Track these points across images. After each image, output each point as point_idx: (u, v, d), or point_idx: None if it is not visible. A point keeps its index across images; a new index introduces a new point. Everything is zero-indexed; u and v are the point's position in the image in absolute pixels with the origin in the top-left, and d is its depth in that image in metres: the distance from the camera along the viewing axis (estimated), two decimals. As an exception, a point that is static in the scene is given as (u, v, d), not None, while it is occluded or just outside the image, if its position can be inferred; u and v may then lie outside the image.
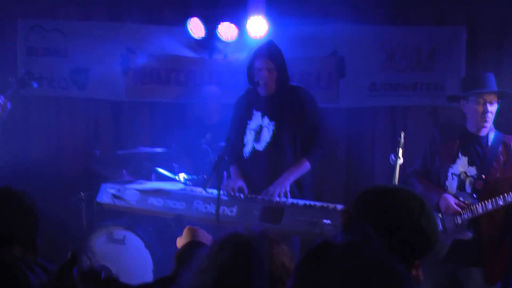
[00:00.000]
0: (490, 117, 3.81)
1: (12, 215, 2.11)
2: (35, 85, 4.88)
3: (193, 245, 2.21)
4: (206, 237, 2.32)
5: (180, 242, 2.32)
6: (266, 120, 4.22)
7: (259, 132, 4.24)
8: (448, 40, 5.58)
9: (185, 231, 2.36)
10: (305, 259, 1.28)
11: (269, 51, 4.19)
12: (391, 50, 5.67)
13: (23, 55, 5.80)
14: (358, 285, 1.17)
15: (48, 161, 5.83)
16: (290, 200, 3.99)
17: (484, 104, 3.78)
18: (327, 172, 5.67)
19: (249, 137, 4.27)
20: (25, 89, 4.85)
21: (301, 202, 3.99)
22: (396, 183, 3.63)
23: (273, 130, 4.18)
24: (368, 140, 5.82)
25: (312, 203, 3.96)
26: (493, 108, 3.81)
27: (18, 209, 2.14)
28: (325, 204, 3.89)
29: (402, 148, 3.72)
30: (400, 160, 3.71)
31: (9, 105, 4.57)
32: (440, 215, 3.85)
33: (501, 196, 3.63)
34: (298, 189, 4.17)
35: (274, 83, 4.17)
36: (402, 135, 3.76)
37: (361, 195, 1.83)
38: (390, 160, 3.77)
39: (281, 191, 4.00)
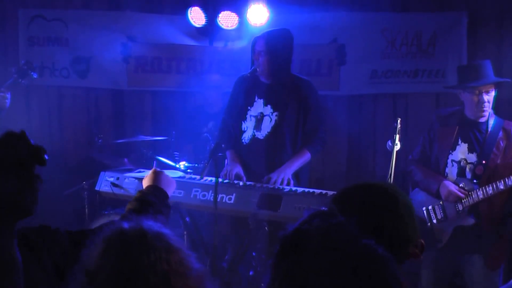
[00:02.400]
0: (487, 105, 3.74)
1: None
2: (34, 75, 4.83)
3: (150, 188, 2.31)
4: (167, 182, 2.41)
5: (145, 182, 2.42)
6: (268, 109, 4.11)
7: (260, 120, 4.14)
8: (449, 26, 5.45)
9: (150, 172, 2.45)
10: (282, 253, 1.25)
11: (267, 35, 4.09)
12: (392, 37, 5.55)
13: (25, 44, 5.74)
14: (344, 273, 1.17)
15: (50, 150, 5.63)
16: (288, 187, 3.88)
17: (480, 94, 3.71)
18: (328, 159, 5.60)
19: (249, 123, 4.17)
20: (25, 79, 4.77)
21: (299, 189, 3.86)
22: (393, 169, 3.53)
23: (275, 120, 4.09)
24: (369, 127, 5.73)
25: (310, 190, 3.82)
26: (489, 97, 3.75)
27: None
28: (323, 191, 3.75)
29: (399, 134, 3.61)
30: (397, 146, 3.59)
31: (9, 96, 4.49)
32: (441, 203, 3.78)
33: (501, 180, 3.55)
34: (296, 178, 4.07)
35: (266, 67, 4.03)
36: (399, 121, 3.65)
37: (345, 190, 1.75)
38: (387, 146, 3.69)
39: (284, 179, 3.90)
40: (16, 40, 5.73)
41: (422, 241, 1.70)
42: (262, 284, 3.92)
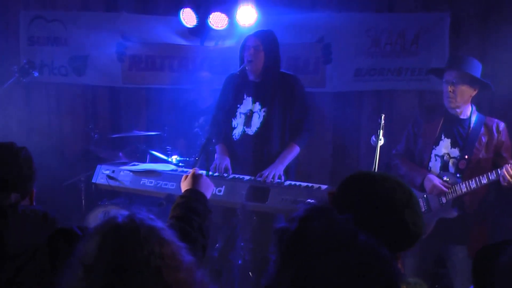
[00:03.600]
0: (452, 96, 3.74)
1: (11, 165, 2.20)
2: (35, 74, 4.94)
3: (192, 193, 2.23)
4: (206, 185, 2.33)
5: (184, 185, 2.34)
6: (257, 106, 4.17)
7: (250, 116, 4.20)
8: (432, 26, 5.45)
9: (189, 176, 2.37)
10: (289, 253, 1.26)
11: (261, 33, 4.17)
12: (376, 36, 5.54)
13: (25, 44, 5.77)
14: (349, 272, 1.19)
15: (49, 144, 5.77)
16: (276, 180, 3.94)
17: (447, 83, 3.75)
18: (314, 153, 5.59)
19: (239, 120, 4.23)
20: (27, 77, 4.85)
21: (286, 182, 3.95)
22: (377, 163, 3.54)
23: (264, 116, 4.14)
24: (354, 123, 5.72)
25: (297, 183, 3.93)
26: (456, 89, 3.72)
27: (17, 160, 2.21)
28: (309, 184, 3.86)
29: (382, 130, 3.63)
30: (381, 142, 3.61)
31: None
32: (424, 195, 3.81)
33: (484, 175, 3.59)
34: (284, 172, 4.12)
35: (261, 63, 4.09)
36: (383, 117, 3.66)
37: (347, 179, 1.71)
38: (371, 142, 3.71)
39: (276, 174, 3.96)
40: (17, 40, 5.76)
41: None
42: (250, 273, 3.99)
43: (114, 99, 5.94)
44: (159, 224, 1.44)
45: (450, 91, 3.72)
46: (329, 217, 1.30)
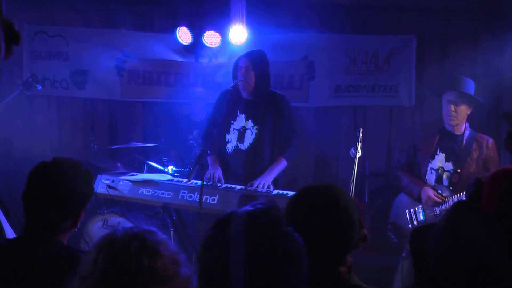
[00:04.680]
0: (454, 115, 3.86)
1: (68, 183, 2.07)
2: (39, 87, 4.84)
3: None
4: None
5: None
6: (250, 123, 4.28)
7: (243, 133, 4.31)
8: (401, 48, 5.65)
9: None
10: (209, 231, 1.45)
11: (251, 54, 4.27)
12: (354, 55, 5.71)
13: (28, 58, 5.71)
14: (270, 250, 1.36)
15: (50, 154, 5.70)
16: (265, 190, 4.06)
17: (449, 104, 3.87)
18: (298, 163, 5.63)
19: (233, 135, 4.33)
20: (30, 91, 4.78)
21: (274, 191, 4.08)
22: (355, 173, 3.66)
23: (256, 133, 4.27)
24: (334, 135, 5.87)
25: (284, 192, 4.05)
26: (458, 108, 3.87)
27: (76, 180, 2.10)
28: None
29: (360, 143, 3.75)
30: (359, 153, 3.76)
31: None
32: (421, 206, 3.94)
33: None
34: (274, 182, 4.26)
35: (252, 82, 4.19)
36: (361, 130, 3.79)
37: (292, 197, 1.88)
38: (350, 153, 3.83)
39: (265, 184, 4.08)
40: (21, 53, 5.68)
41: (365, 232, 1.82)
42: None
43: (113, 112, 5.91)
44: (157, 237, 1.40)
45: (453, 110, 3.85)
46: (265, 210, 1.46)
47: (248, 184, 4.10)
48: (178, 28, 5.32)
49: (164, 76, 5.80)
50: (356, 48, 5.69)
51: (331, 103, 5.80)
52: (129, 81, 5.80)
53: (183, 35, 5.35)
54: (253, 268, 1.35)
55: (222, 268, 1.38)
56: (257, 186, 4.06)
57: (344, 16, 5.68)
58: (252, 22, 5.19)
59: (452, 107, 3.85)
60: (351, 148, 3.87)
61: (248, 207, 1.48)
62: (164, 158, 5.02)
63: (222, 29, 5.19)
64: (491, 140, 3.96)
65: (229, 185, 4.16)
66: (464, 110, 3.90)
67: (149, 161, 4.98)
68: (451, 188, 3.87)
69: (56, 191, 2.02)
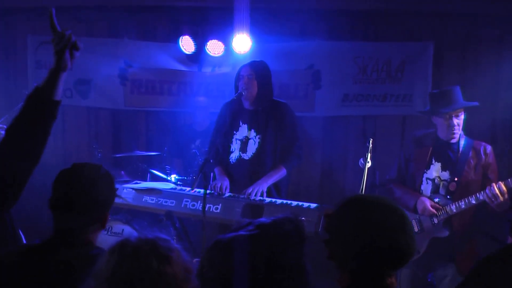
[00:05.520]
0: (457, 128, 3.87)
1: (90, 187, 2.15)
2: None
3: None
4: None
5: None
6: (252, 133, 4.31)
7: (246, 143, 4.33)
8: (416, 55, 5.61)
9: None
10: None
11: (254, 63, 4.32)
12: (363, 64, 5.69)
13: (33, 67, 5.81)
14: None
15: (55, 163, 5.73)
16: (269, 199, 4.07)
17: (451, 119, 3.85)
18: (304, 174, 5.72)
19: (235, 146, 4.37)
20: None
21: (278, 201, 4.06)
22: (364, 185, 3.63)
23: (259, 143, 4.29)
24: (341, 146, 5.85)
25: (289, 202, 4.03)
26: (459, 120, 3.87)
27: (98, 183, 2.19)
28: (300, 203, 3.96)
29: (370, 153, 3.74)
30: (369, 164, 3.71)
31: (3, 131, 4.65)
32: (418, 217, 3.92)
33: (473, 195, 3.69)
34: (276, 191, 4.27)
35: (254, 91, 4.25)
36: (371, 141, 3.78)
37: (345, 203, 1.85)
38: (360, 164, 3.80)
39: (258, 191, 4.08)
40: (25, 63, 5.80)
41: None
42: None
43: (116, 120, 5.98)
44: (169, 245, 1.48)
45: (456, 125, 3.84)
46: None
47: (243, 190, 4.14)
48: (181, 37, 5.39)
49: (167, 85, 5.88)
50: (366, 56, 5.68)
51: (339, 113, 5.80)
52: (132, 90, 5.89)
53: (186, 44, 5.42)
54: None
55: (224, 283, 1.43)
56: (249, 194, 4.08)
57: (353, 23, 5.69)
58: (256, 30, 5.23)
59: (455, 121, 3.87)
60: (359, 158, 3.87)
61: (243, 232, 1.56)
62: (167, 166, 5.08)
63: (225, 38, 5.24)
64: (489, 147, 3.96)
65: (232, 194, 4.19)
66: (462, 121, 3.93)
67: (152, 169, 5.06)
68: (448, 197, 3.87)
69: (81, 199, 2.11)
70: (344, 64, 5.72)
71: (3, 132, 4.67)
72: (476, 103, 3.93)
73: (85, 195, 2.11)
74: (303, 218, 3.81)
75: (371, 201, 1.82)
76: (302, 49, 5.70)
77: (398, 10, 5.52)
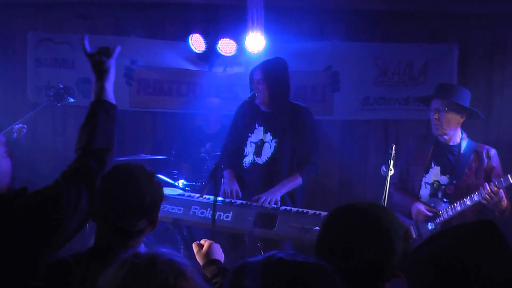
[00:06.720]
0: (437, 123, 3.89)
1: (144, 189, 2.18)
2: (70, 99, 5.02)
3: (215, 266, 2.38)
4: (220, 252, 2.50)
5: (199, 256, 2.48)
6: (268, 136, 4.28)
7: (261, 146, 4.30)
8: (440, 57, 5.60)
9: (205, 248, 2.49)
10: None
11: (265, 65, 4.28)
12: (384, 65, 5.68)
13: (32, 65, 5.82)
14: None
15: (56, 165, 5.78)
16: (283, 207, 4.01)
17: (432, 111, 3.92)
18: (320, 181, 5.58)
19: (250, 149, 4.34)
20: (61, 102, 4.93)
21: (294, 209, 4.00)
22: (387, 193, 3.62)
23: (275, 147, 4.25)
24: (361, 151, 5.82)
25: (304, 210, 3.97)
26: (441, 116, 3.88)
27: (150, 185, 2.23)
28: (316, 212, 3.90)
29: (393, 160, 3.70)
30: (391, 172, 3.68)
31: (24, 129, 4.64)
32: (415, 223, 3.95)
33: (468, 196, 3.73)
34: (291, 199, 4.22)
35: (266, 96, 4.20)
36: (393, 147, 3.74)
37: (332, 213, 1.92)
38: (381, 172, 3.79)
39: (272, 200, 4.03)
40: (24, 61, 5.80)
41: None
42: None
43: (121, 122, 5.69)
44: (183, 261, 1.48)
45: (435, 119, 3.89)
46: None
47: (255, 197, 4.10)
48: (191, 35, 5.37)
49: (175, 86, 5.88)
50: (387, 57, 5.67)
51: (359, 117, 5.78)
52: (138, 91, 5.90)
53: (197, 42, 5.40)
54: None
55: None
56: (263, 202, 4.02)
57: (374, 23, 5.69)
58: (271, 29, 5.22)
59: (435, 115, 3.90)
60: (381, 165, 3.86)
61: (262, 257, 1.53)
62: (174, 171, 5.10)
63: (238, 37, 5.22)
64: (492, 150, 3.97)
65: (244, 202, 4.12)
66: (451, 119, 3.92)
67: (158, 174, 4.94)
68: (445, 200, 3.90)
69: (133, 204, 2.15)
70: (363, 65, 5.72)
71: (24, 130, 4.69)
72: (476, 110, 3.92)
73: (136, 199, 2.15)
74: (317, 228, 3.69)
75: (368, 212, 1.86)
76: (319, 49, 5.70)
77: (421, 10, 5.51)
